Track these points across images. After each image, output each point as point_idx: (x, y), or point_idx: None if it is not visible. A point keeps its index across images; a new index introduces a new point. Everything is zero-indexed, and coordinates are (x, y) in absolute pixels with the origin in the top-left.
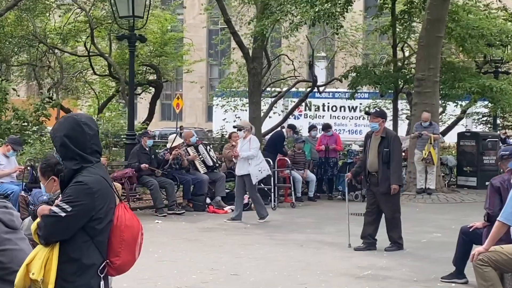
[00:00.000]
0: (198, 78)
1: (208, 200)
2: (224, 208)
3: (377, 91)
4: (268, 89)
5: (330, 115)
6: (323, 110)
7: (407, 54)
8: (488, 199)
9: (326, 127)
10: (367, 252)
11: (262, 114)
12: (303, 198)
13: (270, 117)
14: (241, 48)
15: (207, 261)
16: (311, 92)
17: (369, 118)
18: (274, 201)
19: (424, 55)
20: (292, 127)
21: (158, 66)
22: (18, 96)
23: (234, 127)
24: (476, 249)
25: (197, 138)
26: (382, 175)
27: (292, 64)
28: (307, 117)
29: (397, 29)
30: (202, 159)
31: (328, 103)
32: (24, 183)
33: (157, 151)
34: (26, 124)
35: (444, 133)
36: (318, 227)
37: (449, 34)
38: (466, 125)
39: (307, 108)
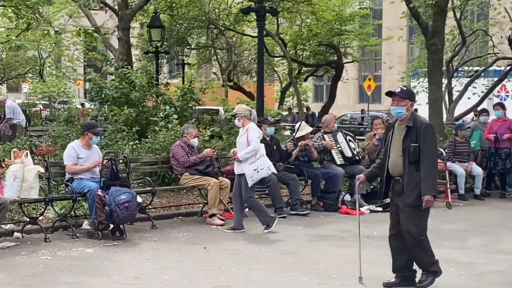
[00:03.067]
0: (397, 58)
1: (347, 197)
2: (360, 209)
3: None
4: (466, 68)
5: None
6: None
7: None
8: None
9: (498, 108)
10: None
11: (449, 95)
12: (469, 196)
13: (469, 98)
14: (418, 22)
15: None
16: (511, 70)
17: (392, 100)
18: None
19: None
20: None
21: (338, 45)
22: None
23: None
24: None
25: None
26: (409, 180)
27: (491, 39)
28: None
29: None
30: (340, 148)
31: None
32: (102, 180)
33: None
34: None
35: None
36: (462, 239)
37: None
38: None
39: None
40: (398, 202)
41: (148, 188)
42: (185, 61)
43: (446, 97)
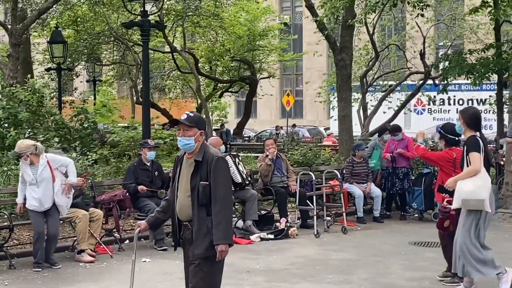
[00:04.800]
0: (317, 73)
1: (240, 224)
2: (250, 237)
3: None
4: (381, 82)
5: (457, 109)
6: (449, 104)
7: None
8: None
9: (394, 130)
10: None
11: (364, 110)
12: (368, 218)
13: (384, 112)
14: (327, 38)
15: None
16: (423, 84)
17: (177, 130)
18: (325, 225)
19: None
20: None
21: (252, 60)
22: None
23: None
24: None
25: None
26: (199, 226)
27: (404, 54)
28: (431, 112)
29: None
30: None
31: (454, 96)
32: None
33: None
34: (66, 130)
35: None
36: (348, 271)
37: None
38: None
39: (431, 103)
40: (189, 252)
41: (6, 224)
42: (96, 78)
43: (361, 112)
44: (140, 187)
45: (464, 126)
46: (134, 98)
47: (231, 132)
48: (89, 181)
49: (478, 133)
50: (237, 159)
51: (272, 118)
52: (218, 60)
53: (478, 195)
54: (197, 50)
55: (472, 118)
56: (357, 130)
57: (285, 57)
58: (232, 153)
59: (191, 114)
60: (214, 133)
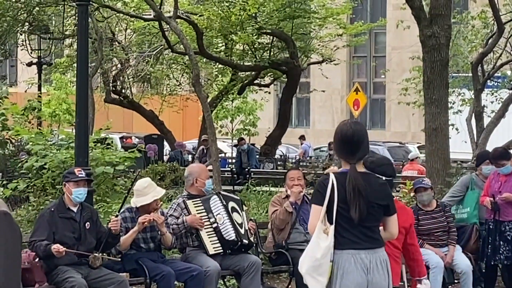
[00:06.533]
0: (411, 54)
1: None
2: None
3: None
4: (509, 73)
5: None
6: None
7: None
8: None
9: (499, 157)
10: None
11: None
12: None
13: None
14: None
15: None
16: None
17: None
18: None
19: None
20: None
21: (291, 35)
22: None
23: None
24: None
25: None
26: None
27: None
28: None
29: None
30: (215, 225)
31: None
32: None
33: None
34: None
35: None
36: None
37: None
38: None
39: None
40: None
41: None
42: (43, 59)
43: (474, 122)
44: (54, 248)
45: None
46: (104, 94)
47: (257, 150)
48: None
49: None
50: (231, 202)
51: (334, 128)
52: (236, 34)
53: None
54: (202, 17)
55: None
56: (466, 151)
57: (350, 29)
58: (223, 193)
59: None
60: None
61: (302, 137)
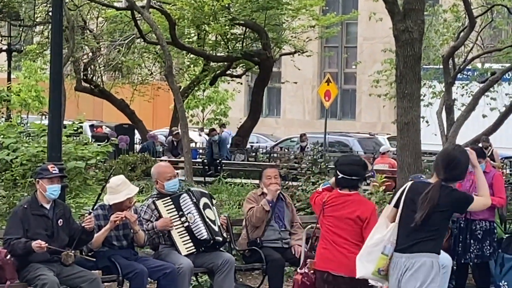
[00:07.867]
0: (382, 46)
1: None
2: None
3: None
4: (480, 66)
5: None
6: None
7: None
8: None
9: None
10: None
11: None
12: None
13: (484, 116)
14: None
15: None
16: None
17: None
18: None
19: None
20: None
21: (264, 26)
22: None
23: None
24: None
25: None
26: None
27: None
28: None
29: None
30: (186, 224)
31: None
32: None
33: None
34: None
35: None
36: None
37: None
38: None
39: None
40: None
41: None
42: (13, 46)
43: (444, 116)
44: (36, 244)
45: None
46: (74, 82)
47: (230, 140)
48: None
49: None
50: (203, 199)
51: (305, 118)
52: (209, 24)
53: None
54: (175, 7)
55: None
56: (436, 142)
57: (322, 20)
58: (192, 189)
59: None
60: (200, 139)
61: (222, 126)
